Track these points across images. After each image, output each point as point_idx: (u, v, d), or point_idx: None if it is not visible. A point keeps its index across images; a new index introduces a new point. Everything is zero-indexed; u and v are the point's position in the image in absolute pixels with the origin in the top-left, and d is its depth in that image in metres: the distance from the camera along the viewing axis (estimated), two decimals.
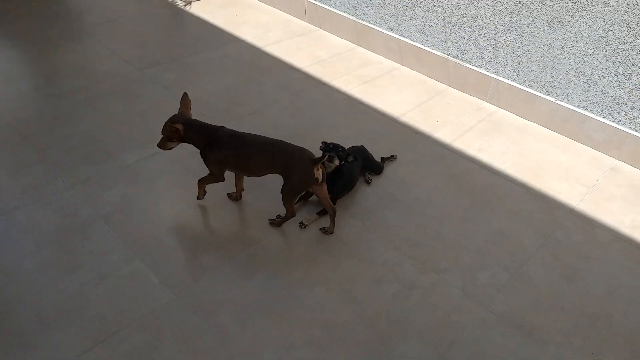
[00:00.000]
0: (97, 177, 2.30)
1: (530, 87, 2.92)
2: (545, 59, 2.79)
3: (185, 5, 4.00)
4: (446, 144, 2.75)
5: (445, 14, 3.08)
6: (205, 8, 3.98)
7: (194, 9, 3.97)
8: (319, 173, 1.99)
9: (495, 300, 1.95)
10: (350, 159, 2.19)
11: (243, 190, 2.26)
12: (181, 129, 1.97)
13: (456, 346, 1.77)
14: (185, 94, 2.09)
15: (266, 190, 2.31)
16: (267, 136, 2.09)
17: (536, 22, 2.74)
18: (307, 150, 2.02)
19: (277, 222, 2.15)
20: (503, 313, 1.90)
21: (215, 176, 2.11)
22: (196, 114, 2.74)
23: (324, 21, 3.78)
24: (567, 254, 2.18)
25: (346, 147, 2.37)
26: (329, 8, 3.70)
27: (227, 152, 2.02)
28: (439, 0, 3.06)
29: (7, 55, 3.18)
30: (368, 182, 2.43)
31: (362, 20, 3.54)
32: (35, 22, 3.53)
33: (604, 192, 2.53)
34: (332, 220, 2.13)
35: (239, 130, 2.09)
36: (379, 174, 2.49)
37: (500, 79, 3.01)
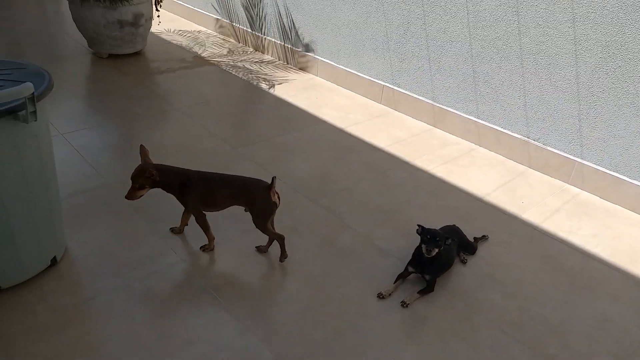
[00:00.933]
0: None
1: (617, 172, 2.95)
2: (632, 144, 2.85)
3: (269, 88, 4.33)
4: (535, 225, 2.79)
5: (526, 100, 3.22)
6: (287, 91, 4.30)
7: (278, 91, 4.29)
8: (275, 197, 2.27)
9: None
10: (449, 241, 2.26)
11: (187, 225, 2.52)
12: (156, 174, 2.19)
13: None
14: (141, 145, 2.32)
15: (370, 268, 2.39)
16: (226, 173, 2.37)
17: (623, 110, 2.82)
18: (261, 180, 2.32)
19: (283, 256, 2.41)
20: None
21: (200, 213, 2.37)
22: (290, 190, 2.93)
23: (400, 104, 3.99)
24: None
25: (439, 226, 2.46)
26: (406, 92, 3.92)
27: (198, 190, 2.28)
28: (520, 88, 3.21)
29: (116, 132, 3.50)
30: (464, 262, 2.48)
31: (440, 103, 3.73)
32: (136, 102, 3.90)
33: None
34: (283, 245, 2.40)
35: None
36: (473, 254, 2.53)
37: (585, 162, 3.06)
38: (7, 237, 1.98)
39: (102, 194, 2.78)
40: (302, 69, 4.74)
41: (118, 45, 4.62)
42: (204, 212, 2.37)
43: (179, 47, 5.15)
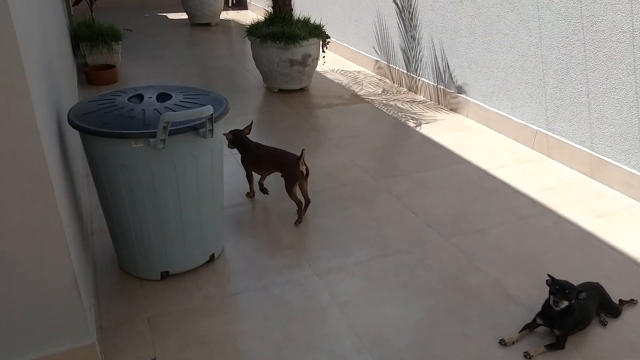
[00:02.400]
0: (337, 268, 2.66)
1: None
2: None
3: (416, 127, 4.47)
4: None
5: None
6: (434, 130, 4.39)
7: (424, 130, 4.41)
8: (303, 167, 2.94)
9: None
10: (583, 295, 2.12)
11: (263, 184, 3.32)
12: (230, 137, 3.10)
13: None
14: (251, 122, 3.33)
15: (495, 313, 2.36)
16: (274, 147, 3.18)
17: None
18: (295, 154, 3.01)
19: (298, 220, 3.02)
20: None
21: (250, 172, 3.24)
22: (422, 225, 3.00)
23: (554, 151, 3.81)
24: None
25: (578, 282, 2.31)
26: (562, 139, 3.74)
27: (251, 155, 3.13)
28: None
29: None
30: (603, 324, 2.29)
31: (599, 153, 3.48)
32: (297, 132, 4.35)
33: None
34: (302, 212, 3.04)
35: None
36: (615, 317, 2.32)
37: None
38: (179, 231, 2.41)
39: (259, 208, 3.18)
40: (453, 109, 4.80)
41: (287, 81, 5.21)
42: (253, 172, 3.25)
43: (339, 85, 5.60)
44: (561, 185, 3.49)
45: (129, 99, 2.37)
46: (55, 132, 2.15)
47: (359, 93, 5.35)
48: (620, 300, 2.39)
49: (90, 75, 5.43)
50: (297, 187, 2.98)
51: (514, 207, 3.23)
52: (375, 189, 3.44)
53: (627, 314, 2.35)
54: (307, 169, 2.96)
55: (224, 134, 2.91)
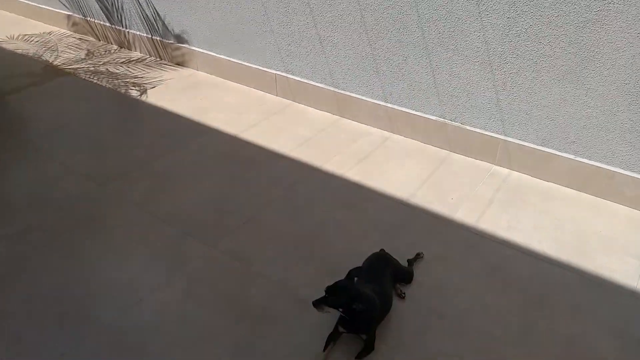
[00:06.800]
0: (73, 351, 1.85)
1: (545, 145, 2.66)
2: (557, 114, 2.55)
3: (140, 95, 3.61)
4: (471, 226, 2.43)
5: (435, 76, 2.81)
6: (164, 95, 3.60)
7: (152, 97, 3.58)
8: None
9: None
10: (360, 307, 1.74)
11: None
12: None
13: None
14: None
15: (292, 332, 1.91)
16: None
17: (542, 76, 2.49)
18: None
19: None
20: None
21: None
22: (180, 236, 2.34)
23: (298, 94, 3.46)
24: None
25: (363, 253, 2.05)
26: (302, 80, 3.39)
27: None
28: (426, 62, 2.79)
29: None
30: (402, 297, 2.06)
31: (342, 89, 3.24)
32: None
33: None
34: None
35: None
36: (410, 282, 2.13)
37: (509, 139, 2.74)
38: None
39: None
40: (179, 63, 4.03)
41: None
42: None
43: (26, 57, 4.21)
44: (316, 134, 3.17)
45: None
46: None
47: (55, 63, 4.10)
48: (408, 261, 2.20)
49: None
50: None
51: (276, 176, 2.79)
52: (105, 202, 2.59)
53: (419, 273, 2.17)
54: None
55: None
